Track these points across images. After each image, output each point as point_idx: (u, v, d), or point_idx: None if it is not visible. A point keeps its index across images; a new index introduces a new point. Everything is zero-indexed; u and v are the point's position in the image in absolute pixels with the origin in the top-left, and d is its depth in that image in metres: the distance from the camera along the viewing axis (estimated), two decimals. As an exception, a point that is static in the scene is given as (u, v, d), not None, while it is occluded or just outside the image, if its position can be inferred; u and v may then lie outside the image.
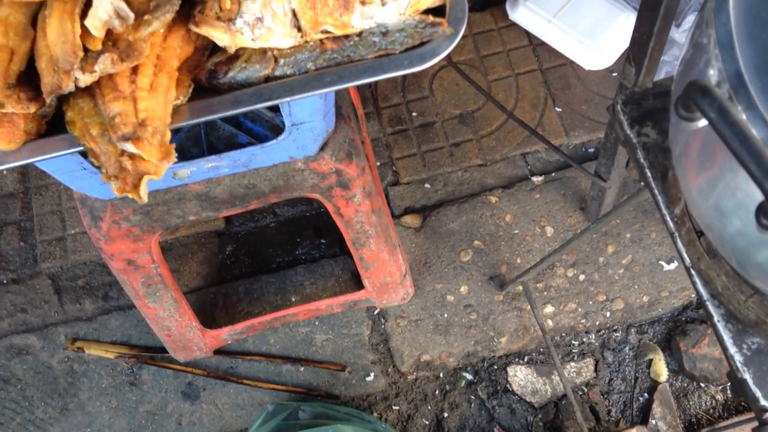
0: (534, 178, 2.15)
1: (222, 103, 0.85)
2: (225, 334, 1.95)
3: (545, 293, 2.04)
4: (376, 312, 2.07)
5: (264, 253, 2.15)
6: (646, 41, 1.47)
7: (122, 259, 1.55)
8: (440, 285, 2.07)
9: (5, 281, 2.04)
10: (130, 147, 0.78)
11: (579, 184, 2.12)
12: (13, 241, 2.07)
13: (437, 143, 2.21)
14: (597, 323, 2.02)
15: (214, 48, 0.92)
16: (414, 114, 2.24)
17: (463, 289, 2.06)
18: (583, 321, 2.02)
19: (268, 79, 0.88)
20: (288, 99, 0.85)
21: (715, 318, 1.07)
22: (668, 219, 1.11)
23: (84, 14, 0.78)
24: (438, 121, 2.23)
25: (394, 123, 2.24)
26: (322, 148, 1.43)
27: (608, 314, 2.03)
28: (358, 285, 1.98)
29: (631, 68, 1.55)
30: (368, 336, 2.04)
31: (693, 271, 1.09)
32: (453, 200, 2.14)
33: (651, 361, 2.01)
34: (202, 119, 0.85)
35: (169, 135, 0.83)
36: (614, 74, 2.25)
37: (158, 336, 1.87)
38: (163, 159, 0.80)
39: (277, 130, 1.52)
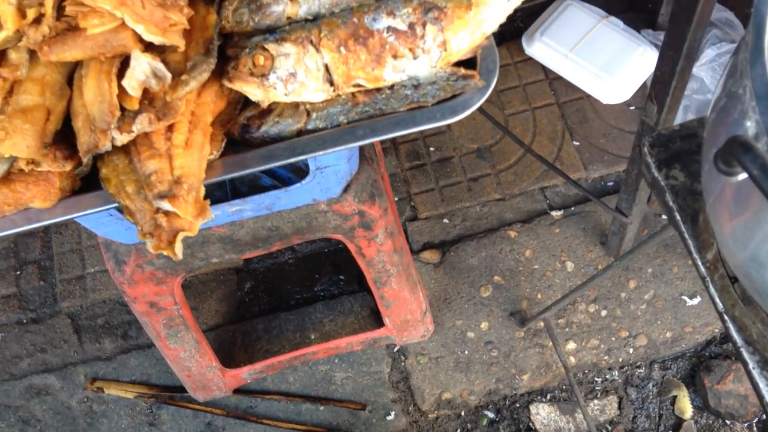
0: (553, 213, 2.14)
1: (255, 158, 0.85)
2: (245, 374, 1.94)
3: (567, 329, 2.02)
4: (396, 349, 2.05)
5: (282, 289, 2.14)
6: (668, 80, 1.47)
7: (145, 302, 1.54)
8: (460, 321, 2.05)
9: (25, 320, 2.04)
10: (166, 205, 0.78)
11: (599, 218, 2.11)
12: (33, 280, 2.07)
13: (455, 178, 2.20)
14: (620, 360, 2.00)
15: (245, 101, 0.92)
16: (431, 149, 2.24)
17: (484, 325, 2.04)
18: (605, 357, 2.00)
19: (300, 132, 0.88)
20: (321, 153, 0.85)
21: (750, 365, 1.06)
22: (699, 264, 1.09)
23: (120, 74, 0.78)
24: (455, 156, 2.23)
25: (412, 158, 2.24)
26: (345, 189, 1.43)
27: (631, 350, 2.00)
28: (378, 322, 1.96)
29: (653, 106, 1.54)
30: (388, 374, 2.02)
31: (726, 317, 1.07)
32: (472, 235, 2.13)
33: (675, 397, 1.98)
34: (235, 174, 0.85)
35: (203, 191, 0.83)
36: (631, 108, 2.25)
37: (178, 376, 1.86)
38: (198, 216, 0.80)
39: (300, 172, 1.53)
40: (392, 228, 1.60)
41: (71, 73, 0.83)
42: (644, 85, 2.22)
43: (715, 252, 1.06)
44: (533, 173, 2.19)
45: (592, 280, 1.72)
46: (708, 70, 2.08)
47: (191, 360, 1.78)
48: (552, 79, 2.30)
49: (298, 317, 2.06)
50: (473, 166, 2.21)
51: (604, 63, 2.18)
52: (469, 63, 0.90)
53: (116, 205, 0.84)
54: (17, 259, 2.09)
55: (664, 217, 2.10)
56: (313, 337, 2.03)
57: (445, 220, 2.17)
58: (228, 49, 0.88)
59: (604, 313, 2.03)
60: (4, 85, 0.79)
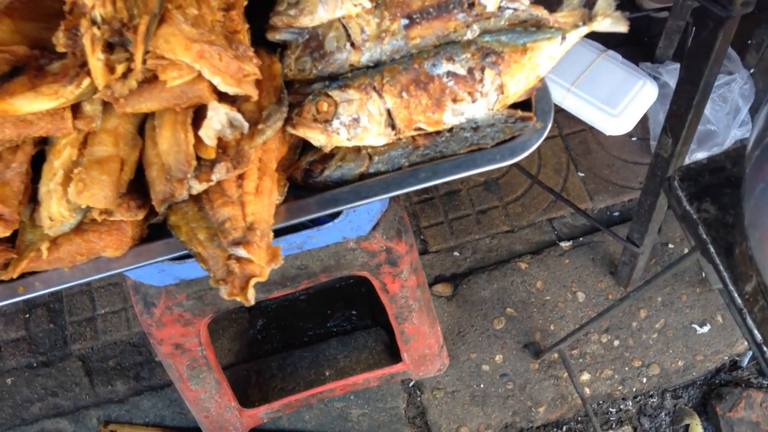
0: (562, 244, 2.17)
1: (320, 203, 0.86)
2: (261, 413, 1.92)
3: (581, 360, 2.04)
4: (411, 384, 2.05)
5: (295, 326, 2.13)
6: (684, 114, 1.51)
7: (171, 344, 1.53)
8: (475, 354, 2.06)
9: (35, 364, 2.00)
10: (241, 252, 0.78)
11: (607, 248, 2.15)
12: (42, 323, 2.03)
13: (464, 211, 2.23)
14: (633, 389, 2.02)
15: (304, 145, 0.94)
16: (439, 183, 2.26)
17: (498, 357, 2.05)
18: (620, 388, 2.01)
19: (362, 176, 0.90)
20: (386, 196, 0.87)
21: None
22: (736, 296, 1.12)
23: (193, 123, 0.79)
24: (463, 189, 2.26)
25: (420, 191, 2.26)
26: (374, 226, 1.44)
27: (644, 380, 2.02)
28: (393, 356, 1.96)
29: (668, 139, 1.59)
30: (404, 409, 2.02)
31: (765, 348, 1.10)
32: (483, 267, 2.15)
33: (688, 426, 2.00)
34: (302, 219, 0.86)
35: (272, 236, 0.83)
36: (633, 139, 2.30)
37: (196, 417, 1.83)
38: (270, 262, 0.80)
39: (327, 210, 1.54)
40: (416, 264, 1.61)
41: (142, 123, 0.84)
42: (645, 116, 2.28)
43: (754, 284, 1.09)
44: (540, 205, 2.22)
45: (607, 312, 1.75)
46: (708, 102, 2.13)
47: (211, 401, 1.76)
48: (555, 111, 2.34)
49: (312, 354, 2.05)
50: (481, 198, 2.24)
51: (606, 96, 2.24)
52: (524, 105, 0.93)
53: (184, 252, 0.84)
54: (26, 302, 2.06)
55: (671, 246, 2.15)
56: (328, 374, 2.02)
57: (456, 253, 2.19)
58: (289, 96, 0.90)
59: (616, 342, 2.06)
60: (79, 137, 0.79)
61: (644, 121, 2.30)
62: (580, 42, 2.37)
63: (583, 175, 2.26)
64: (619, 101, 2.24)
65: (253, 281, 0.80)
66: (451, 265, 2.17)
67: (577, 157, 2.28)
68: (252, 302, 0.81)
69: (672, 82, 2.21)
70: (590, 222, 2.10)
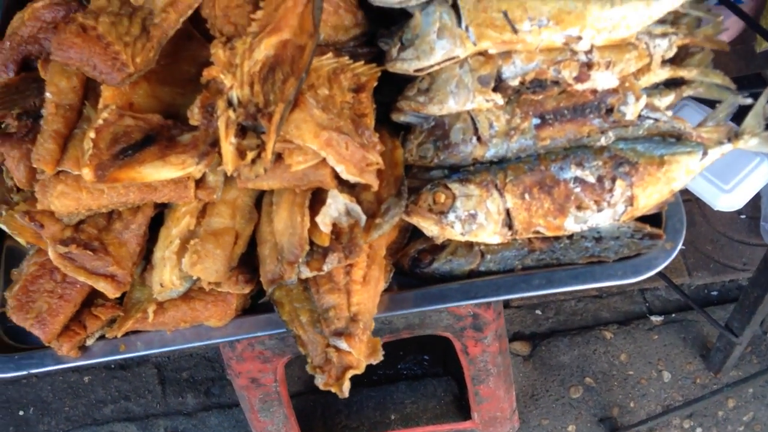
0: (653, 318, 2.07)
1: (427, 298, 0.84)
2: (324, 448, 1.91)
3: (658, 444, 1.94)
4: (477, 441, 1.99)
5: (366, 363, 2.11)
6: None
7: (248, 378, 1.54)
8: (547, 421, 1.98)
9: (113, 366, 2.06)
10: (342, 344, 0.77)
11: (701, 328, 2.03)
12: (125, 327, 2.10)
13: (552, 269, 2.16)
14: (712, 483, 1.90)
15: (415, 230, 0.91)
16: (530, 236, 2.21)
17: (571, 428, 1.97)
18: (697, 479, 1.91)
19: (471, 273, 0.87)
20: (494, 299, 0.83)
21: None
22: None
23: (310, 205, 0.78)
24: (554, 246, 2.19)
25: (509, 243, 2.21)
26: (464, 291, 1.40)
27: (725, 474, 1.90)
28: (461, 411, 1.91)
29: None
30: (467, 465, 1.97)
31: None
32: (565, 331, 2.07)
33: None
34: (405, 312, 0.84)
35: (373, 326, 0.81)
36: (742, 216, 2.17)
37: (259, 445, 1.84)
38: (370, 356, 0.78)
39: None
40: (501, 330, 1.56)
41: (259, 195, 0.83)
42: (757, 195, 2.15)
43: None
44: (633, 273, 2.13)
45: (696, 401, 1.65)
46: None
47: (277, 433, 1.77)
48: (660, 178, 2.24)
49: (379, 395, 2.03)
50: (571, 258, 2.17)
51: (719, 169, 2.11)
52: (653, 218, 0.87)
53: (285, 330, 0.83)
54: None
55: (771, 337, 2.02)
56: (393, 417, 1.99)
57: (538, 311, 2.12)
58: (407, 179, 0.88)
59: (699, 431, 1.94)
60: (198, 206, 0.79)
61: (756, 199, 2.17)
62: (696, 108, 2.27)
63: (683, 247, 2.15)
64: (732, 176, 2.12)
65: (349, 373, 0.78)
66: (531, 323, 2.11)
67: (678, 228, 2.17)
68: (346, 395, 0.80)
69: (792, 163, 2.08)
70: (684, 299, 2.00)
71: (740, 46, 2.13)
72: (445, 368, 2.09)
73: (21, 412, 2.02)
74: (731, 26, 1.92)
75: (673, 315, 2.07)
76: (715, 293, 2.12)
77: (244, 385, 1.57)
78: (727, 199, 2.15)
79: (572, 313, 2.12)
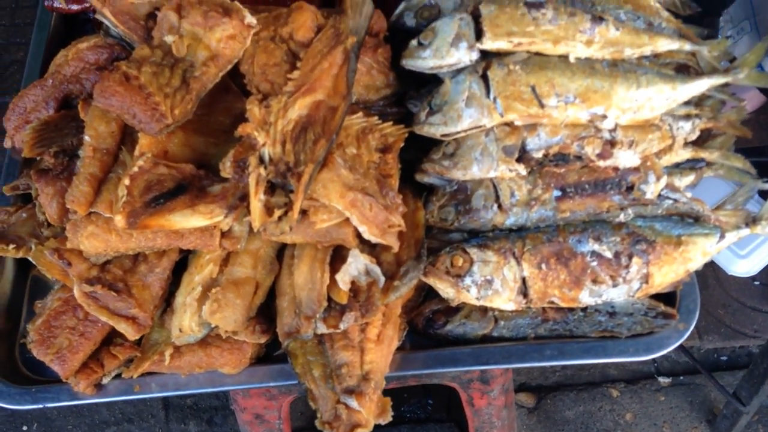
0: (661, 379, 2.05)
1: (439, 360, 0.85)
2: (322, 487, 1.90)
3: (660, 508, 1.91)
4: (476, 490, 1.98)
5: (370, 403, 2.11)
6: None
7: (252, 413, 1.54)
8: (548, 476, 1.97)
9: (119, 388, 2.07)
10: (353, 402, 0.78)
11: (708, 393, 2.02)
12: (134, 349, 2.11)
13: (562, 321, 2.16)
14: None
15: (430, 290, 0.92)
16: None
17: (572, 485, 1.95)
18: None
19: (484, 337, 0.88)
20: (505, 366, 0.84)
21: None
22: None
23: (331, 261, 0.80)
24: (565, 299, 2.19)
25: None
26: (473, 344, 1.41)
27: None
28: (463, 459, 1.90)
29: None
30: None
31: None
32: (571, 385, 2.06)
33: None
34: (415, 373, 0.85)
35: (384, 385, 0.82)
36: (756, 283, 2.17)
37: (258, 479, 1.83)
38: (379, 416, 0.79)
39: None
40: (509, 385, 1.56)
41: (281, 247, 0.85)
42: (773, 262, 2.15)
43: None
44: (644, 332, 2.12)
45: (700, 470, 1.63)
46: None
47: (277, 469, 1.76)
48: (676, 238, 2.24)
49: (381, 436, 2.02)
50: (582, 312, 2.17)
51: (735, 234, 2.13)
52: (667, 297, 0.88)
53: (296, 382, 0.84)
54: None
55: (780, 408, 2.00)
56: (394, 460, 1.98)
57: (546, 364, 2.11)
58: (426, 239, 0.89)
59: (702, 498, 1.92)
60: (222, 254, 0.81)
61: (771, 266, 2.16)
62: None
63: (695, 309, 2.15)
64: (749, 242, 2.12)
65: (357, 431, 0.79)
66: (538, 375, 2.10)
67: (691, 290, 2.17)
68: (353, 452, 0.80)
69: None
70: (694, 363, 1.99)
71: (763, 116, 2.14)
72: (449, 414, 2.08)
73: (24, 427, 2.04)
74: (754, 97, 1.93)
75: (681, 377, 2.06)
76: (724, 358, 2.11)
77: (248, 420, 1.57)
78: (743, 264, 2.14)
79: (580, 368, 2.11)
